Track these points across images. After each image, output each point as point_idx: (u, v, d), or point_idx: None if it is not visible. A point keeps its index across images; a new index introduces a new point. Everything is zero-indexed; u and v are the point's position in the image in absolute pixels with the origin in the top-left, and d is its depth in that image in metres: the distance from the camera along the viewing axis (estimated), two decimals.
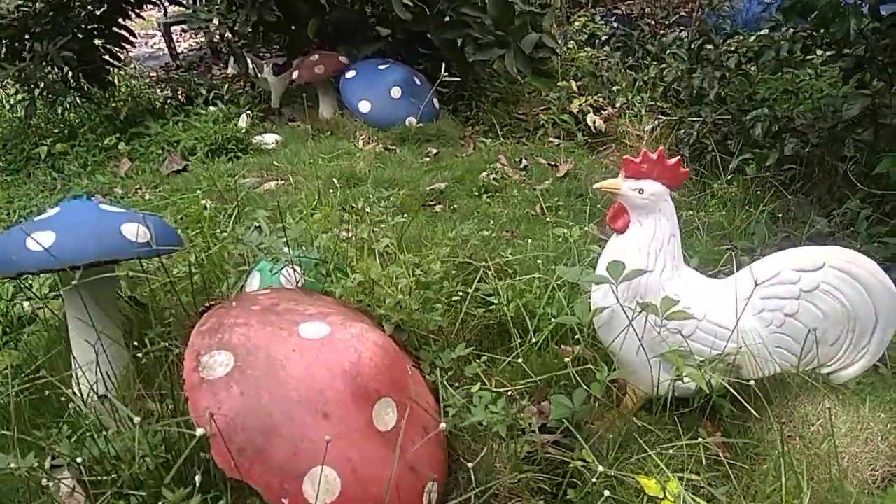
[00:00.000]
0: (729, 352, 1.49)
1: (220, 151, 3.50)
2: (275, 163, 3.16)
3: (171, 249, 1.57)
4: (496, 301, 1.81)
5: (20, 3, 4.08)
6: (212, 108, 3.94)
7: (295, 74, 4.07)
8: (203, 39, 6.61)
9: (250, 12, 3.92)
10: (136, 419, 1.05)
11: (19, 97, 4.35)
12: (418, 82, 3.93)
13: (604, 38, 5.16)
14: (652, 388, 1.54)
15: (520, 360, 1.57)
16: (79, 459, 1.12)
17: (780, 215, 2.74)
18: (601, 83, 4.49)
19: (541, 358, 1.71)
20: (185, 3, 5.15)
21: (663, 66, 4.04)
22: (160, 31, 7.03)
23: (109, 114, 4.19)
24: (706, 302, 1.49)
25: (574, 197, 3.00)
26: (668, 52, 4.17)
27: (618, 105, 4.16)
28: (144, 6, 4.72)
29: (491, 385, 1.58)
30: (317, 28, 4.10)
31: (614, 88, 4.35)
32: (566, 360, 1.50)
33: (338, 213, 2.00)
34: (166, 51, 6.94)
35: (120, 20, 4.49)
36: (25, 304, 2.15)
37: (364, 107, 3.79)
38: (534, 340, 1.68)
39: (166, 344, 1.46)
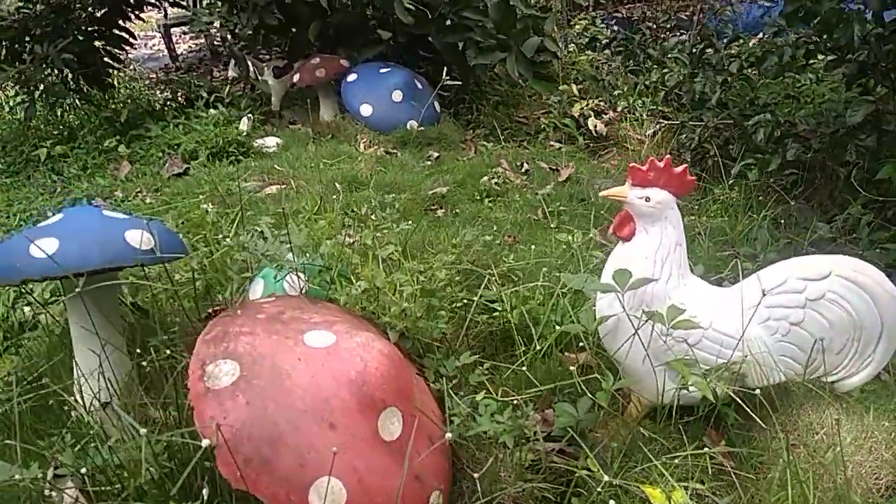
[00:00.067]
0: (734, 360, 1.48)
1: (221, 155, 3.50)
2: (276, 166, 3.16)
3: (175, 257, 1.56)
4: (500, 308, 1.81)
5: (20, 4, 4.07)
6: (212, 111, 3.93)
7: (296, 77, 4.07)
8: (203, 41, 6.60)
9: (251, 15, 3.92)
10: (143, 431, 1.05)
11: (19, 99, 4.34)
12: (419, 86, 3.92)
13: (605, 41, 5.16)
14: (657, 397, 1.53)
15: (524, 368, 1.57)
16: (83, 470, 1.11)
17: (782, 221, 2.74)
18: (602, 87, 4.49)
19: (545, 365, 1.70)
20: (185, 4, 5.15)
21: (665, 70, 4.04)
22: (160, 32, 7.02)
23: (109, 116, 4.19)
24: (712, 310, 1.49)
25: (576, 202, 3.00)
26: (669, 56, 4.17)
27: (619, 109, 4.16)
28: (145, 8, 4.72)
29: (495, 392, 1.57)
30: (318, 31, 4.10)
31: (615, 92, 4.35)
32: (571, 367, 1.50)
33: (341, 219, 1.99)
34: (166, 52, 6.94)
35: (120, 22, 4.48)
36: (26, 309, 2.14)
37: (365, 110, 3.79)
38: (538, 348, 1.67)
39: (169, 351, 1.45)
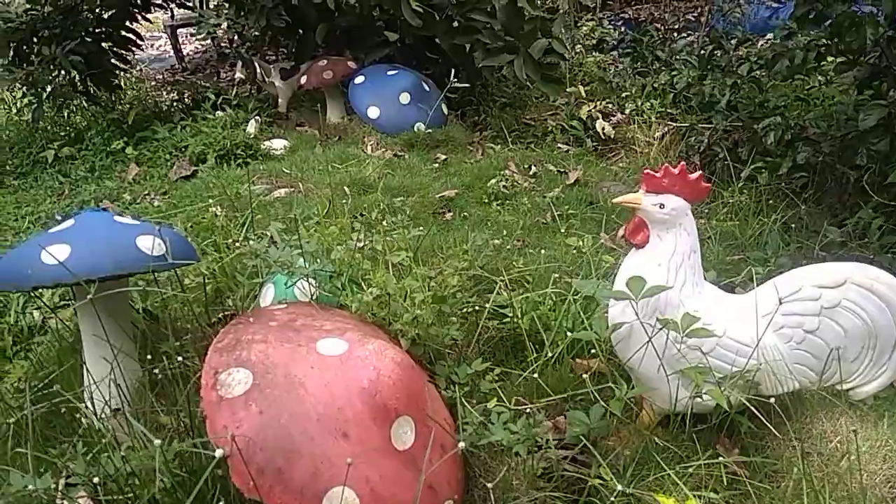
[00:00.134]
0: (749, 368, 1.47)
1: (229, 157, 3.49)
2: (284, 169, 3.15)
3: (186, 263, 1.56)
4: (510, 314, 1.80)
5: (28, 6, 4.08)
6: (219, 113, 3.93)
7: (303, 80, 4.06)
8: (209, 42, 6.61)
9: (259, 17, 3.91)
10: (157, 442, 1.04)
11: (26, 100, 4.34)
12: (427, 88, 3.92)
13: (613, 43, 5.14)
14: (670, 404, 1.52)
15: (535, 375, 1.56)
16: (95, 480, 1.11)
17: (792, 225, 2.72)
18: (610, 89, 4.47)
19: (556, 371, 1.69)
20: (191, 5, 5.15)
21: (674, 72, 4.02)
22: (166, 33, 7.03)
23: (116, 118, 4.19)
24: (726, 318, 1.48)
25: (585, 205, 2.99)
26: (677, 57, 4.15)
27: (627, 111, 4.14)
28: (152, 9, 4.72)
29: (506, 399, 1.56)
30: (325, 33, 4.09)
31: (623, 95, 4.34)
32: (583, 375, 1.49)
33: (350, 224, 1.98)
34: (172, 53, 6.94)
35: (127, 23, 4.49)
36: (35, 313, 2.14)
37: (373, 112, 3.78)
38: (549, 355, 1.66)
39: (181, 358, 1.45)
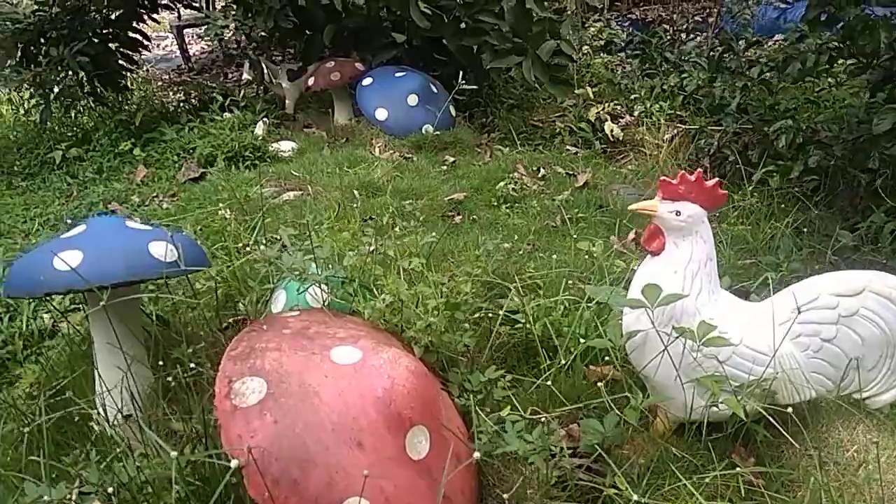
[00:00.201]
0: (765, 377, 1.46)
1: (237, 159, 3.48)
2: (293, 172, 3.14)
3: (198, 269, 1.55)
4: (522, 320, 1.78)
5: (36, 7, 4.08)
6: (227, 115, 3.92)
7: (311, 81, 4.05)
8: (215, 42, 6.61)
9: (267, 18, 3.91)
10: (174, 454, 1.03)
11: (34, 101, 4.35)
12: (435, 90, 3.90)
13: (621, 44, 5.12)
14: (685, 413, 1.51)
15: (549, 383, 1.54)
16: (109, 490, 1.10)
17: (804, 229, 2.71)
18: (618, 90, 4.46)
19: (569, 379, 1.68)
20: (198, 6, 5.15)
21: (684, 74, 4.00)
22: (172, 33, 7.03)
23: (124, 119, 4.19)
24: (743, 326, 1.46)
25: (594, 208, 2.97)
26: (687, 59, 4.13)
27: (636, 113, 4.12)
28: (159, 9, 4.72)
29: (519, 406, 1.55)
30: (332, 34, 4.08)
31: (632, 96, 4.32)
32: (598, 383, 1.48)
33: (361, 229, 1.97)
34: (178, 53, 6.95)
35: (134, 24, 4.49)
36: (45, 316, 2.13)
37: (381, 114, 3.77)
38: (563, 362, 1.65)
39: (193, 364, 1.44)
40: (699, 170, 1.44)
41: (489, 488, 1.44)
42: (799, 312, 1.41)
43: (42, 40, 4.09)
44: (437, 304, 1.55)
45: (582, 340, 1.68)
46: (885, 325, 1.46)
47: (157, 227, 1.60)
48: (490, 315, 1.76)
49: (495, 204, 3.00)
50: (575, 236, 2.44)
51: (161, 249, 1.45)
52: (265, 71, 4.29)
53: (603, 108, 4.10)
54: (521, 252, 2.28)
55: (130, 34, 4.49)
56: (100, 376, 1.48)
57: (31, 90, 4.20)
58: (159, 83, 5.93)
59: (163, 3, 4.67)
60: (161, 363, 1.50)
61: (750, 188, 3.09)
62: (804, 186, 3.09)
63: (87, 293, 1.47)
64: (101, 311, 1.44)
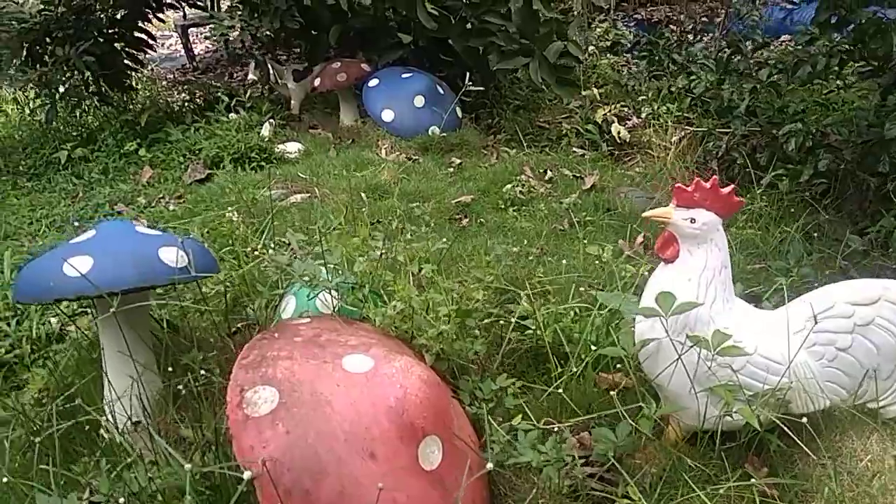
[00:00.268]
0: (780, 386, 1.44)
1: (244, 161, 3.47)
2: (299, 174, 3.13)
3: (208, 275, 1.54)
4: (532, 326, 1.77)
5: (42, 7, 4.07)
6: (233, 116, 3.91)
7: (317, 82, 4.04)
8: (219, 42, 6.60)
9: (273, 19, 3.90)
10: (188, 466, 1.02)
11: (39, 101, 4.34)
12: (441, 91, 3.89)
13: (627, 44, 5.10)
14: (698, 422, 1.50)
15: (560, 391, 1.53)
16: (121, 500, 1.09)
17: (815, 234, 2.69)
18: (625, 92, 4.44)
19: (581, 386, 1.66)
20: (203, 5, 5.14)
21: (692, 76, 3.98)
22: (177, 32, 7.03)
23: (129, 119, 4.18)
24: (757, 335, 1.45)
25: (602, 211, 2.96)
26: (694, 60, 4.11)
27: (643, 115, 4.10)
28: (164, 9, 4.71)
29: (530, 414, 1.53)
30: (338, 34, 4.07)
31: (639, 98, 4.30)
32: (610, 392, 1.46)
33: (370, 233, 1.96)
34: (182, 52, 6.94)
35: (140, 23, 4.48)
36: (53, 320, 2.13)
37: (387, 116, 3.76)
38: (574, 370, 1.63)
39: (203, 371, 1.43)
40: (714, 177, 1.42)
41: (501, 498, 1.42)
42: (816, 322, 1.39)
43: (48, 40, 4.08)
44: (449, 311, 1.54)
45: (593, 347, 1.66)
46: None
47: (166, 233, 1.59)
48: (501, 322, 1.74)
49: (502, 207, 2.99)
50: (584, 240, 2.42)
51: (171, 255, 1.44)
52: (271, 71, 4.28)
53: (609, 110, 4.08)
54: (529, 257, 2.26)
55: (136, 34, 4.48)
56: (110, 383, 1.47)
57: (37, 90, 4.20)
58: (164, 82, 5.92)
59: (168, 2, 4.66)
60: (171, 369, 1.49)
61: (759, 191, 3.07)
62: (813, 190, 3.07)
63: (97, 299, 1.46)
64: (111, 318, 1.43)
